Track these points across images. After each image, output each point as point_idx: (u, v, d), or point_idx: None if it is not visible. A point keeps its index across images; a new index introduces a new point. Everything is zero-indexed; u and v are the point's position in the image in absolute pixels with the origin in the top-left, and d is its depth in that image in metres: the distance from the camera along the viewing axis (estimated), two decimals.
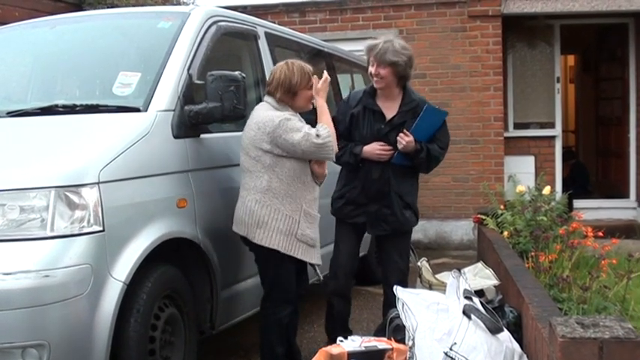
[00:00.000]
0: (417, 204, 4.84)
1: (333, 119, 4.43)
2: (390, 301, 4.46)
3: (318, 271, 4.47)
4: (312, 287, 5.43)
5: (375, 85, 4.67)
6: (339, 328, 4.70)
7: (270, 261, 4.20)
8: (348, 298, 4.96)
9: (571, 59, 13.46)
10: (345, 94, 6.00)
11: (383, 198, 4.69)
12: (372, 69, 4.61)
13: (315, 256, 4.32)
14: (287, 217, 4.14)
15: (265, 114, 4.14)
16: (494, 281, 4.86)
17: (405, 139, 4.55)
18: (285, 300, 4.29)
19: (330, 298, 4.90)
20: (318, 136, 4.09)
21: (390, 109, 4.69)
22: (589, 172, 11.54)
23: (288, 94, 4.22)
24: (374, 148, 4.61)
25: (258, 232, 4.13)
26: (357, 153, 4.63)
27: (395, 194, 4.69)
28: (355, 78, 7.53)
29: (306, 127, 4.12)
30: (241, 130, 4.29)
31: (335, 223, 4.86)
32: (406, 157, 4.64)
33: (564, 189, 8.77)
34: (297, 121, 4.13)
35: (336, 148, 4.27)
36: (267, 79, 4.31)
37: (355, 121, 4.68)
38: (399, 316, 3.91)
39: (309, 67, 4.33)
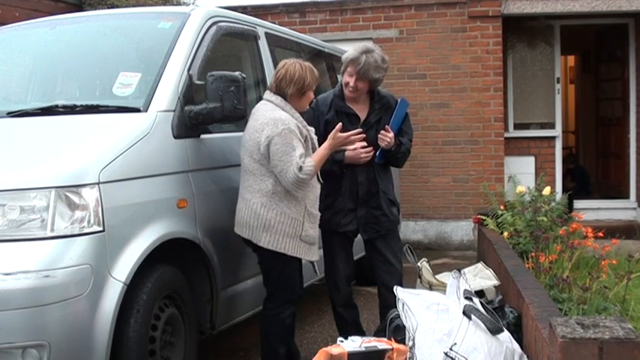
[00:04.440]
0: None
1: None
2: (388, 303, 4.46)
3: (316, 268, 4.46)
4: (312, 288, 5.45)
5: (347, 94, 4.65)
6: (354, 333, 4.64)
7: (277, 263, 4.20)
8: (353, 303, 4.96)
9: (571, 60, 13.46)
10: None
11: (371, 199, 4.68)
12: (349, 80, 4.56)
13: (314, 254, 4.33)
14: (292, 220, 4.13)
15: (272, 115, 4.10)
16: (495, 282, 4.86)
17: (388, 136, 4.57)
18: (289, 300, 4.30)
19: (336, 309, 4.88)
20: (301, 169, 4.00)
21: (361, 110, 4.70)
22: (589, 175, 11.54)
23: (299, 93, 4.22)
24: (357, 152, 4.51)
25: (265, 236, 4.12)
26: (340, 159, 4.55)
27: (382, 193, 4.71)
28: None
29: (300, 152, 4.04)
30: (241, 131, 4.28)
31: (322, 234, 4.73)
32: (386, 154, 4.66)
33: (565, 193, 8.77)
34: (297, 139, 4.07)
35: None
36: (277, 74, 4.26)
37: (331, 127, 4.61)
38: (399, 317, 3.91)
39: (316, 71, 4.34)
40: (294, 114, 4.20)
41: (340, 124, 4.34)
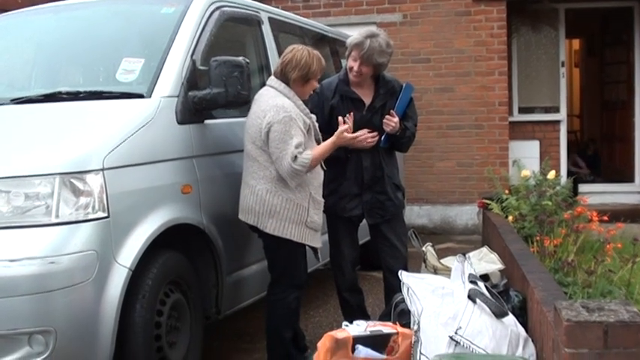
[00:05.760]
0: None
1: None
2: (393, 288, 4.46)
3: (319, 255, 4.46)
4: (317, 272, 5.45)
5: (352, 79, 4.63)
6: (359, 318, 4.65)
7: (282, 249, 4.20)
8: (358, 288, 4.97)
9: (576, 43, 13.41)
10: None
11: (376, 184, 4.68)
12: (353, 65, 4.54)
13: (319, 241, 4.35)
14: (298, 206, 4.13)
15: (274, 102, 4.08)
16: (499, 265, 4.85)
17: (393, 121, 4.56)
18: (294, 285, 4.31)
19: (341, 293, 4.90)
20: (295, 159, 3.98)
21: (366, 95, 4.68)
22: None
23: (303, 80, 4.21)
24: (363, 138, 4.44)
25: (271, 222, 4.12)
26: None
27: (387, 177, 4.70)
28: None
29: (296, 141, 4.01)
30: (245, 116, 4.28)
31: (327, 219, 4.72)
32: (391, 139, 4.66)
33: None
34: (297, 127, 4.05)
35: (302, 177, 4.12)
36: (283, 58, 4.24)
37: (336, 112, 4.59)
38: (404, 301, 3.91)
39: (323, 60, 4.33)
40: (297, 101, 4.18)
41: (347, 125, 4.34)
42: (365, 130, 4.47)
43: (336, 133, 4.30)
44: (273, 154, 4.03)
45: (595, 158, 11.42)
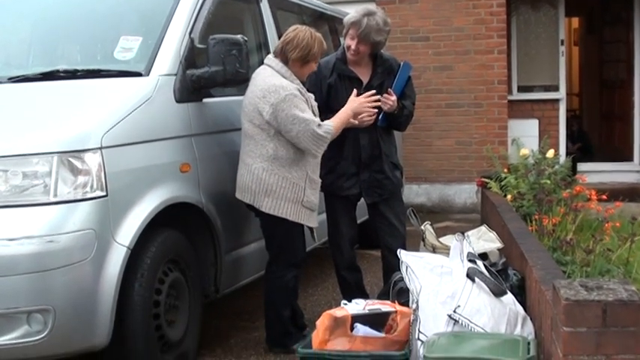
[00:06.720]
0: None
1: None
2: (391, 266, 4.47)
3: (315, 234, 4.46)
4: (316, 251, 5.46)
5: (349, 57, 4.62)
6: (358, 296, 4.66)
7: (279, 227, 4.21)
8: (357, 267, 4.97)
9: (575, 22, 13.34)
10: None
11: (373, 163, 4.67)
12: (351, 43, 4.53)
13: (314, 220, 4.35)
14: (294, 185, 4.13)
15: (271, 82, 4.08)
16: (498, 244, 4.85)
17: (391, 99, 4.55)
18: (292, 263, 4.32)
19: (340, 272, 4.90)
20: (319, 125, 4.06)
21: (364, 73, 4.66)
22: (590, 138, 11.49)
23: (302, 60, 4.19)
24: (375, 99, 4.47)
25: (267, 201, 4.12)
26: None
27: (385, 156, 4.70)
28: None
29: (309, 113, 4.08)
30: (244, 94, 4.26)
31: (325, 198, 4.74)
32: (389, 117, 4.65)
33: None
34: (302, 101, 4.07)
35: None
36: (285, 37, 4.22)
37: (334, 91, 4.61)
38: (402, 280, 3.92)
39: (325, 44, 4.35)
40: (294, 81, 4.17)
41: (355, 90, 4.36)
42: (373, 92, 4.48)
43: (350, 98, 4.35)
44: (290, 131, 4.02)
45: (580, 134, 11.36)
